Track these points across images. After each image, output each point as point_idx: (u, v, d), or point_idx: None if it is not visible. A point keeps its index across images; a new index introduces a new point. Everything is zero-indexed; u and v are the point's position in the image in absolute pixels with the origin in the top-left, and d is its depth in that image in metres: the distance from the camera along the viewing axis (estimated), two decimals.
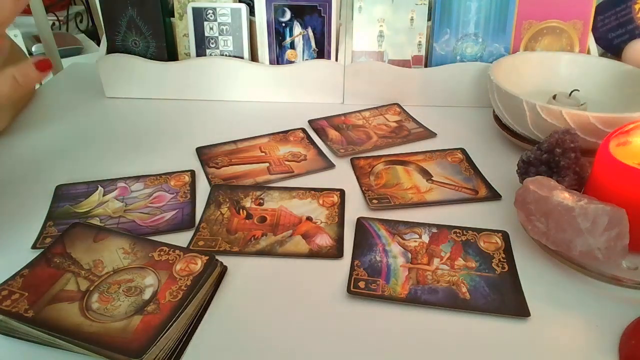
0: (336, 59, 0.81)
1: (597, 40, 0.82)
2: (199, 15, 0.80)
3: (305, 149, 0.70)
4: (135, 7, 0.79)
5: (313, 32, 0.80)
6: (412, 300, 0.46)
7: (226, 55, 0.82)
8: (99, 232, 0.51)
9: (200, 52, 0.82)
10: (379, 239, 0.53)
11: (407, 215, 0.57)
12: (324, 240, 0.53)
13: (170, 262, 0.47)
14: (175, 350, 0.41)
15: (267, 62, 0.82)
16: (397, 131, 0.75)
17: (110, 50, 0.83)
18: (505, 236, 0.53)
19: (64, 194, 0.60)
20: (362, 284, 0.47)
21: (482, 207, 0.58)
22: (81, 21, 2.19)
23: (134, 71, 0.82)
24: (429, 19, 0.79)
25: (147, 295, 0.44)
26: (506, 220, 0.56)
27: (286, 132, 0.74)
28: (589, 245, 0.45)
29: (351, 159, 0.67)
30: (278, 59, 0.82)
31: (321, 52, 0.81)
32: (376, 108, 0.82)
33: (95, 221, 0.55)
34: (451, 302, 0.45)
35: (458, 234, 0.54)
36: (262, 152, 0.70)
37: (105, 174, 0.64)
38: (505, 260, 0.50)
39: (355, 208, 0.58)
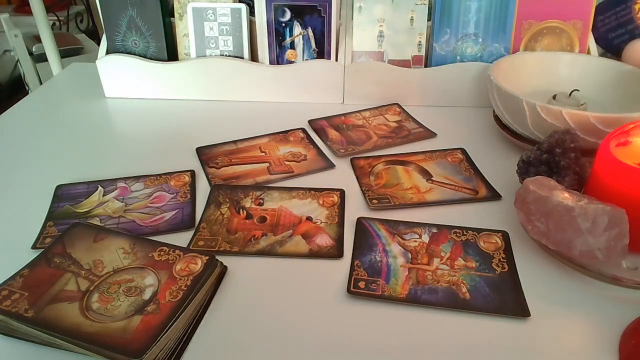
0: (336, 59, 0.81)
1: (597, 40, 0.82)
2: (199, 15, 0.80)
3: (305, 149, 0.70)
4: (135, 7, 0.79)
5: (313, 32, 0.80)
6: (412, 300, 0.46)
7: (226, 55, 0.82)
8: (99, 232, 0.51)
9: (200, 52, 0.82)
10: (379, 239, 0.53)
11: (407, 215, 0.57)
12: (324, 240, 0.53)
13: (170, 262, 0.47)
14: (175, 350, 0.41)
15: (267, 62, 0.82)
16: (397, 131, 0.75)
17: (110, 50, 0.83)
18: (505, 236, 0.53)
19: (64, 194, 0.60)
20: (362, 284, 0.47)
21: (482, 207, 0.58)
22: (81, 21, 2.20)
23: (134, 71, 0.82)
24: (429, 19, 0.79)
25: (147, 295, 0.44)
26: (506, 220, 0.56)
27: (286, 132, 0.74)
28: (589, 245, 0.45)
29: (351, 159, 0.67)
30: (278, 59, 0.82)
31: (321, 52, 0.81)
32: (376, 108, 0.82)
33: (95, 221, 0.56)
34: (451, 302, 0.45)
35: (458, 234, 0.54)
36: (262, 152, 0.69)
37: (105, 174, 0.64)
38: (505, 260, 0.50)
39: (355, 208, 0.58)
